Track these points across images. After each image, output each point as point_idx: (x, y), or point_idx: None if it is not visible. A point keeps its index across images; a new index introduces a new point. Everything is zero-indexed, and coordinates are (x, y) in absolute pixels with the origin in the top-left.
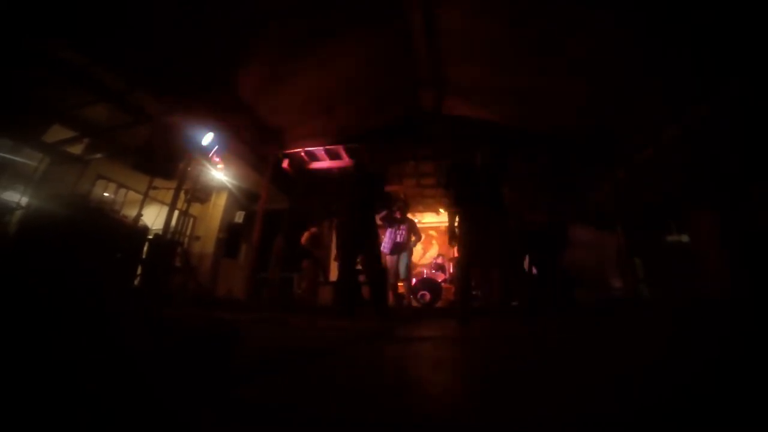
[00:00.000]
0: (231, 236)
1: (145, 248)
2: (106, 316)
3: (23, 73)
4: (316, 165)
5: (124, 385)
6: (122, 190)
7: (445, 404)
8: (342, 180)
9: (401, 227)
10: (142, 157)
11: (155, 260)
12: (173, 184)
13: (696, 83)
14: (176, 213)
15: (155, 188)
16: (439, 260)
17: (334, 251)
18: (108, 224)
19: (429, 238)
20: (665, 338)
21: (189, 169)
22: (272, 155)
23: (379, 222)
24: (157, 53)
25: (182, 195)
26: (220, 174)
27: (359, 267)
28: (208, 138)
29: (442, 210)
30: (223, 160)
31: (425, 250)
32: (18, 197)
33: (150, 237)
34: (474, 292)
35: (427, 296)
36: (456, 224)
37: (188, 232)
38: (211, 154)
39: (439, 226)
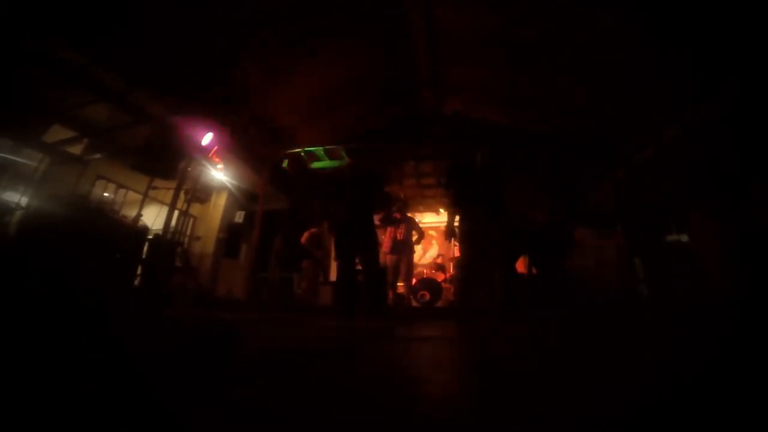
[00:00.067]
0: (231, 236)
1: (145, 248)
2: (106, 316)
3: (23, 73)
4: (316, 165)
5: (124, 385)
6: (122, 191)
7: (444, 404)
8: (340, 180)
9: (401, 226)
10: (142, 157)
11: (155, 260)
12: (173, 184)
13: (696, 83)
14: (176, 213)
15: (155, 188)
16: (439, 260)
17: (334, 251)
18: (108, 224)
19: (429, 238)
20: (665, 338)
21: (189, 169)
22: (272, 155)
23: (378, 222)
24: (157, 53)
25: (182, 195)
26: (220, 174)
27: (359, 267)
28: (208, 138)
29: (442, 210)
30: (223, 160)
31: (425, 250)
32: (18, 197)
33: (150, 237)
34: (474, 293)
35: (427, 296)
36: (455, 223)
37: (188, 232)
38: (211, 154)
39: (439, 226)
